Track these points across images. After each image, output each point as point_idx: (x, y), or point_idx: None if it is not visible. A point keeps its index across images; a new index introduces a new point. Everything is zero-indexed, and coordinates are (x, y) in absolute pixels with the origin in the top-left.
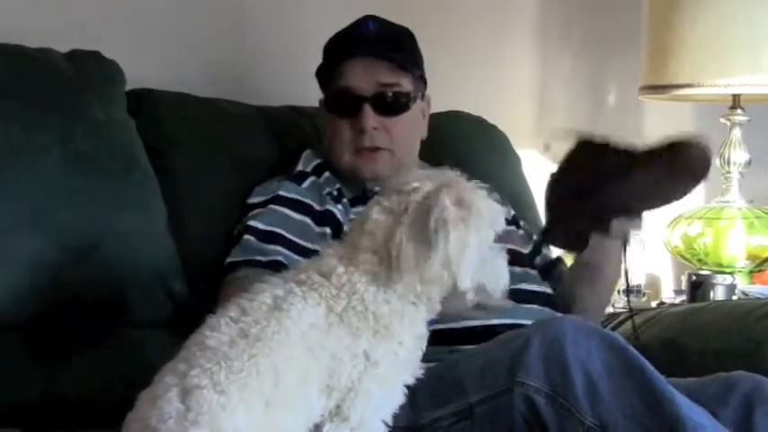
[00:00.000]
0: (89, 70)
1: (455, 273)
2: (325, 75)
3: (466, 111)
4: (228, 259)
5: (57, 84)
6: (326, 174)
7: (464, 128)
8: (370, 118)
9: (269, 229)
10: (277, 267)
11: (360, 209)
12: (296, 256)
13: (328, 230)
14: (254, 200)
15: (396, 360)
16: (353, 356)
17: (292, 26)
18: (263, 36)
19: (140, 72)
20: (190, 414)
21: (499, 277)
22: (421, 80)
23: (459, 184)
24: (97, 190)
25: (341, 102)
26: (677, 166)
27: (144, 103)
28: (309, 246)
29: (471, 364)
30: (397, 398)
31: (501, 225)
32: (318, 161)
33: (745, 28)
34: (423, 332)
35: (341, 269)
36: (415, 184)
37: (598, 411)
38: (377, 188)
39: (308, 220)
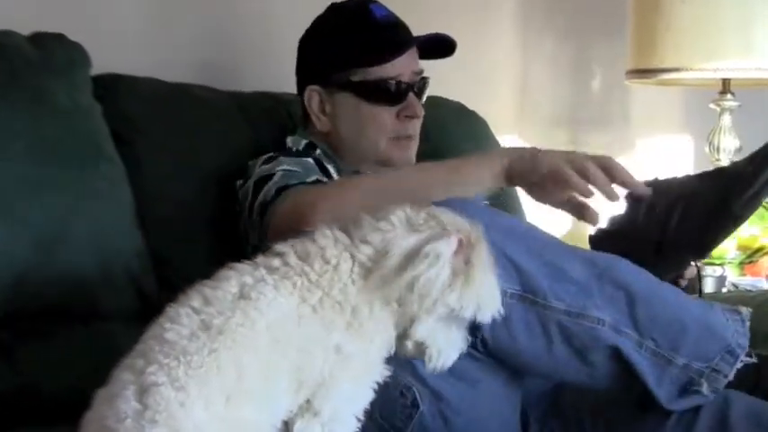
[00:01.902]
0: (53, 54)
1: (414, 312)
2: (365, 61)
3: (444, 96)
4: (277, 184)
5: (19, 68)
6: (318, 152)
7: (442, 113)
8: (419, 106)
9: (294, 169)
10: None
11: None
12: None
13: None
14: (252, 163)
15: (366, 359)
16: (325, 349)
17: (267, 9)
18: (236, 19)
19: (106, 56)
20: (147, 413)
21: (443, 356)
22: None
23: (479, 247)
24: (62, 179)
25: (385, 89)
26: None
27: (111, 88)
28: None
29: None
30: (368, 394)
31: (486, 316)
32: (306, 141)
33: (735, 9)
34: (392, 336)
35: (333, 252)
36: (448, 220)
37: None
38: (368, 172)
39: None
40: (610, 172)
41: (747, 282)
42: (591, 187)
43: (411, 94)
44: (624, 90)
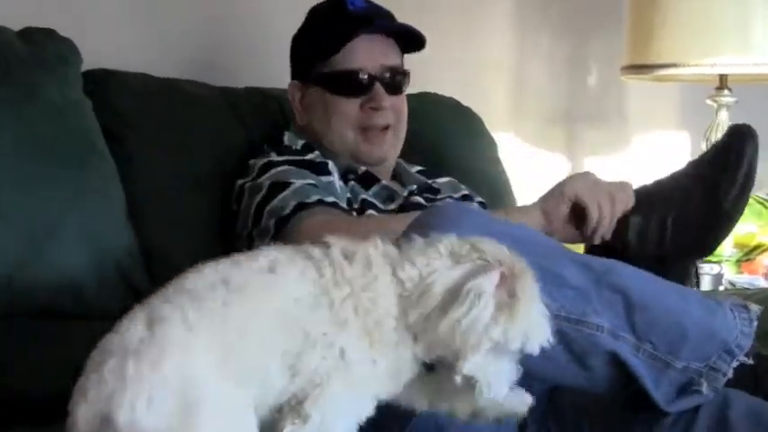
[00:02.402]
0: (43, 49)
1: (460, 348)
2: (327, 52)
3: (438, 92)
4: (296, 198)
5: (9, 63)
6: (316, 152)
7: (436, 110)
8: (385, 97)
9: (306, 181)
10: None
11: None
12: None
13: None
14: (260, 161)
15: (373, 369)
16: (328, 347)
17: (258, 5)
18: (226, 14)
19: (97, 51)
20: (153, 340)
21: (494, 389)
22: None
23: (523, 278)
24: (53, 176)
25: (348, 80)
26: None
27: (101, 84)
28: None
29: None
30: (366, 408)
31: (534, 347)
32: (303, 141)
33: (732, 4)
34: (413, 360)
35: (378, 261)
36: (491, 251)
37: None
38: (362, 168)
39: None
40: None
41: (745, 280)
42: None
43: (377, 86)
44: (620, 86)
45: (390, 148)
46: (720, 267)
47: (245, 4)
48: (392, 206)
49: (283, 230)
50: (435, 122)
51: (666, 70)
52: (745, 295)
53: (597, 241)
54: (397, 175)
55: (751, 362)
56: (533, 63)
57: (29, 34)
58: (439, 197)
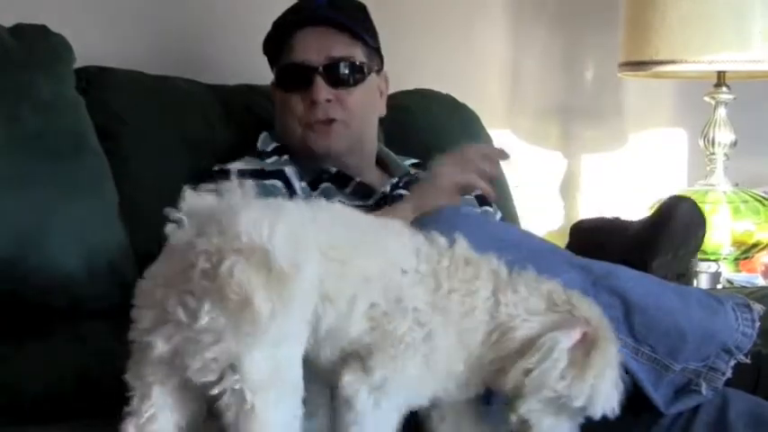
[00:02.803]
0: (35, 46)
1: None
2: (275, 48)
3: (433, 88)
4: None
5: (1, 60)
6: (285, 157)
7: (432, 106)
8: (323, 90)
9: None
10: None
11: (315, 192)
12: None
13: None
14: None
15: (446, 367)
16: (419, 324)
17: (249, 2)
18: (218, 11)
19: (90, 48)
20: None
21: None
22: (376, 53)
23: (603, 344)
24: (45, 173)
25: (291, 74)
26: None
27: (94, 81)
28: None
29: None
30: (420, 398)
31: (596, 410)
32: (276, 144)
33: (730, 1)
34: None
35: (485, 275)
36: (583, 309)
37: None
38: (333, 169)
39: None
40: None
41: (742, 278)
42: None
43: (317, 79)
44: (617, 82)
45: (340, 142)
46: (718, 265)
47: (237, 1)
48: (370, 202)
49: None
50: (431, 119)
51: (664, 67)
52: (744, 294)
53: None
54: (386, 169)
55: (748, 361)
56: (529, 59)
57: (21, 31)
58: None
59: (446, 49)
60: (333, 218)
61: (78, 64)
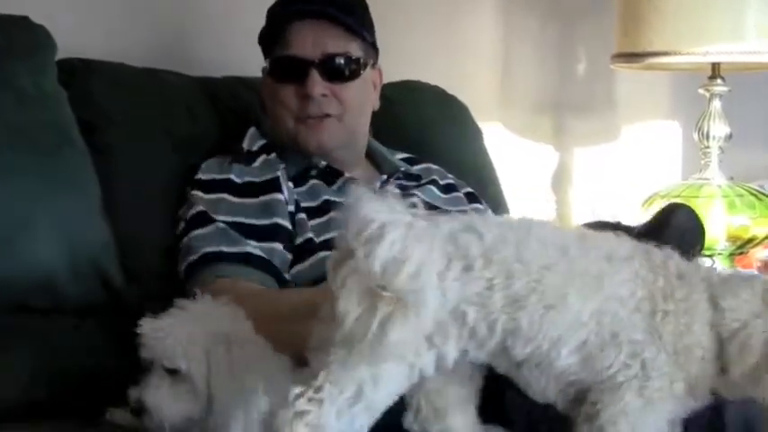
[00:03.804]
0: (16, 37)
1: None
2: (270, 39)
3: (422, 80)
4: (206, 249)
5: None
6: (273, 155)
7: (421, 98)
8: (318, 84)
9: (233, 219)
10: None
11: (303, 188)
12: (265, 244)
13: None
14: (204, 176)
15: (669, 388)
16: (633, 355)
17: None
18: (204, 2)
19: (72, 40)
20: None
21: None
22: (372, 47)
23: None
24: (25, 167)
25: (286, 67)
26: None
27: (76, 73)
28: (279, 221)
29: None
30: (660, 425)
31: None
32: (264, 141)
33: None
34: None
35: (699, 288)
36: None
37: None
38: (322, 163)
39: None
40: None
41: None
42: None
43: (312, 73)
44: (610, 74)
45: (333, 137)
46: (713, 261)
47: None
48: None
49: (191, 280)
50: (420, 111)
51: (658, 58)
52: None
53: None
54: (375, 163)
55: None
56: (520, 50)
57: (1, 22)
58: (421, 183)
59: (435, 39)
60: (537, 242)
61: (61, 56)
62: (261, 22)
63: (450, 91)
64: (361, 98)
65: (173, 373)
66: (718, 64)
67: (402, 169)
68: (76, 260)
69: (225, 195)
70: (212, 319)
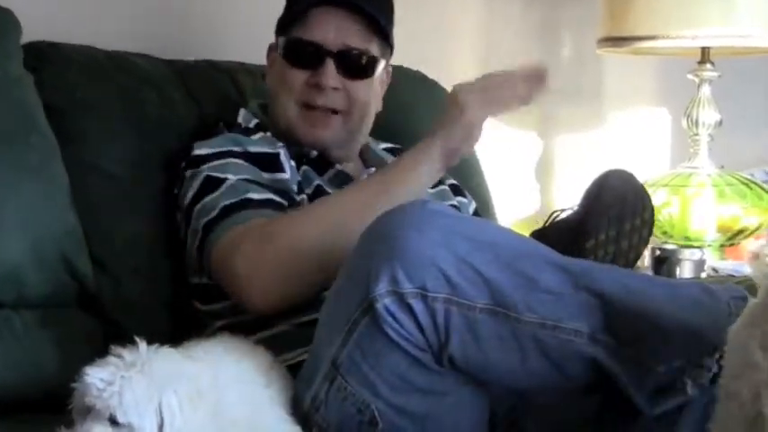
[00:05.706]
0: None
1: None
2: (288, 17)
3: (404, 65)
4: (224, 202)
5: None
6: (269, 133)
7: (401, 85)
8: (332, 75)
9: (244, 176)
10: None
11: (299, 173)
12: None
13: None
14: (203, 150)
15: None
16: None
17: None
18: None
19: (39, 23)
20: None
21: None
22: (389, 49)
23: None
24: None
25: (301, 51)
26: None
27: (44, 57)
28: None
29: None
30: None
31: None
32: (257, 121)
33: None
34: None
35: None
36: None
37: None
38: (314, 153)
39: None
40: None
41: (729, 266)
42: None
43: (329, 62)
44: (596, 59)
45: (333, 137)
46: (702, 252)
47: None
48: None
49: (210, 236)
50: (399, 97)
51: (645, 43)
52: (733, 282)
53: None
54: (362, 156)
55: None
56: (503, 34)
57: None
58: None
59: (415, 23)
60: None
61: (26, 39)
62: (233, 4)
63: (432, 76)
64: (370, 98)
65: (116, 424)
66: (708, 48)
67: (388, 162)
68: (42, 250)
69: (230, 160)
70: (169, 373)
